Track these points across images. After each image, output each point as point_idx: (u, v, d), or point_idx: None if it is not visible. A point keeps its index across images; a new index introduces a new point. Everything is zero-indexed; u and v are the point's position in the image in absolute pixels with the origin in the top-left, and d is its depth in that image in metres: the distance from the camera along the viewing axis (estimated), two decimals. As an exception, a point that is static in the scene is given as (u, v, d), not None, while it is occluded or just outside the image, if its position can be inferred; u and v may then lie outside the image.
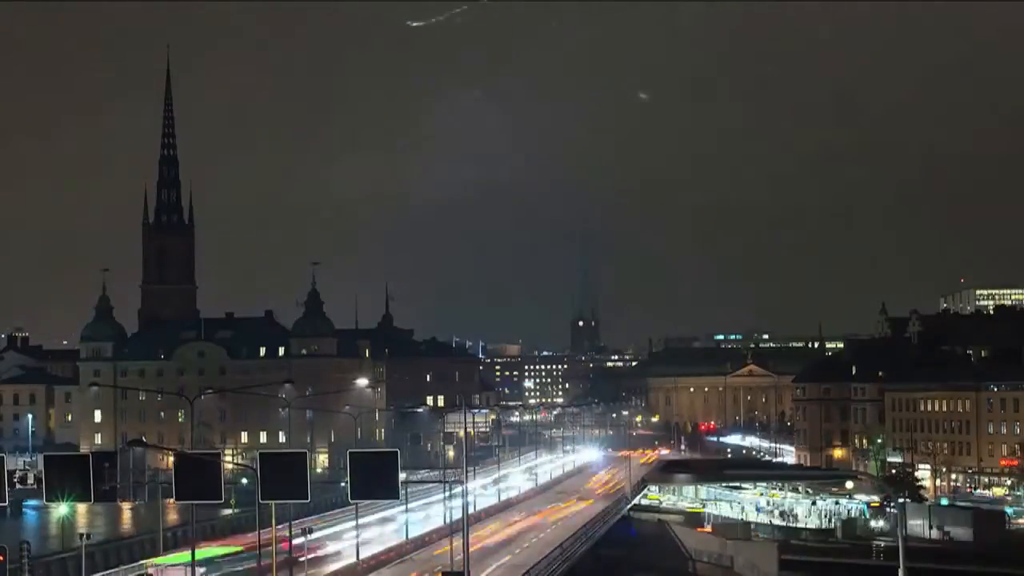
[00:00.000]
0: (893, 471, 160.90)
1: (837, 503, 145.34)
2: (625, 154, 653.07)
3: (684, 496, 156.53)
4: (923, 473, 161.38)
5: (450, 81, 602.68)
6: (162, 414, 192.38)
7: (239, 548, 76.12)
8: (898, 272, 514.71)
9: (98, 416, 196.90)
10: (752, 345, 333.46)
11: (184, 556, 67.39)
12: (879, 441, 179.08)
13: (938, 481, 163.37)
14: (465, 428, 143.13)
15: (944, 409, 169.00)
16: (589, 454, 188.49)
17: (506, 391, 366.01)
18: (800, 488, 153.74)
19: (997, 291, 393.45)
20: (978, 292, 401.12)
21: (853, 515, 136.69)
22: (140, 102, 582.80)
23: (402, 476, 54.57)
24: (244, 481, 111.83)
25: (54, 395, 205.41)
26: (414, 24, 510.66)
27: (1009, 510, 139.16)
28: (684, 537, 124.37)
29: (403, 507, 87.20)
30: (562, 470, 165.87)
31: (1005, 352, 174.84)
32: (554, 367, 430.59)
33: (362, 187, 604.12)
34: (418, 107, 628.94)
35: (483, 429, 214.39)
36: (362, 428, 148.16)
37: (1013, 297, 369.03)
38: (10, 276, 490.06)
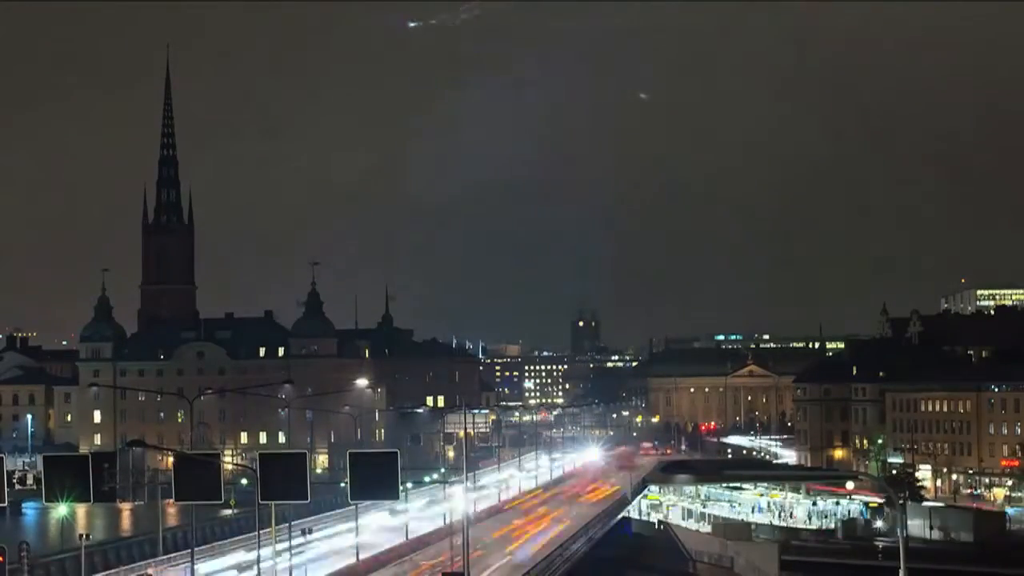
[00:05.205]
0: (894, 472, 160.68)
1: (837, 503, 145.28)
2: (625, 154, 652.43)
3: (684, 496, 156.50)
4: (924, 474, 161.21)
5: (450, 80, 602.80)
6: (162, 414, 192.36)
7: None
8: (898, 272, 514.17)
9: (98, 416, 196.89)
10: (752, 345, 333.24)
11: None
12: (880, 442, 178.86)
13: (939, 482, 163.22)
14: (465, 428, 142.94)
15: (945, 409, 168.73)
16: (584, 457, 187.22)
17: (506, 391, 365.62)
18: (800, 488, 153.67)
19: (997, 291, 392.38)
20: (978, 292, 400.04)
21: (853, 515, 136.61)
22: (140, 102, 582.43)
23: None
24: (244, 481, 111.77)
25: (53, 395, 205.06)
26: (414, 24, 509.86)
27: (1009, 510, 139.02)
28: (684, 537, 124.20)
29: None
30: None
31: (1005, 352, 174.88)
32: (554, 367, 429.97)
33: (362, 187, 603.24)
34: (418, 107, 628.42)
35: (483, 429, 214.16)
36: (362, 428, 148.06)
37: (1013, 297, 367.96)
38: (10, 276, 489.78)
